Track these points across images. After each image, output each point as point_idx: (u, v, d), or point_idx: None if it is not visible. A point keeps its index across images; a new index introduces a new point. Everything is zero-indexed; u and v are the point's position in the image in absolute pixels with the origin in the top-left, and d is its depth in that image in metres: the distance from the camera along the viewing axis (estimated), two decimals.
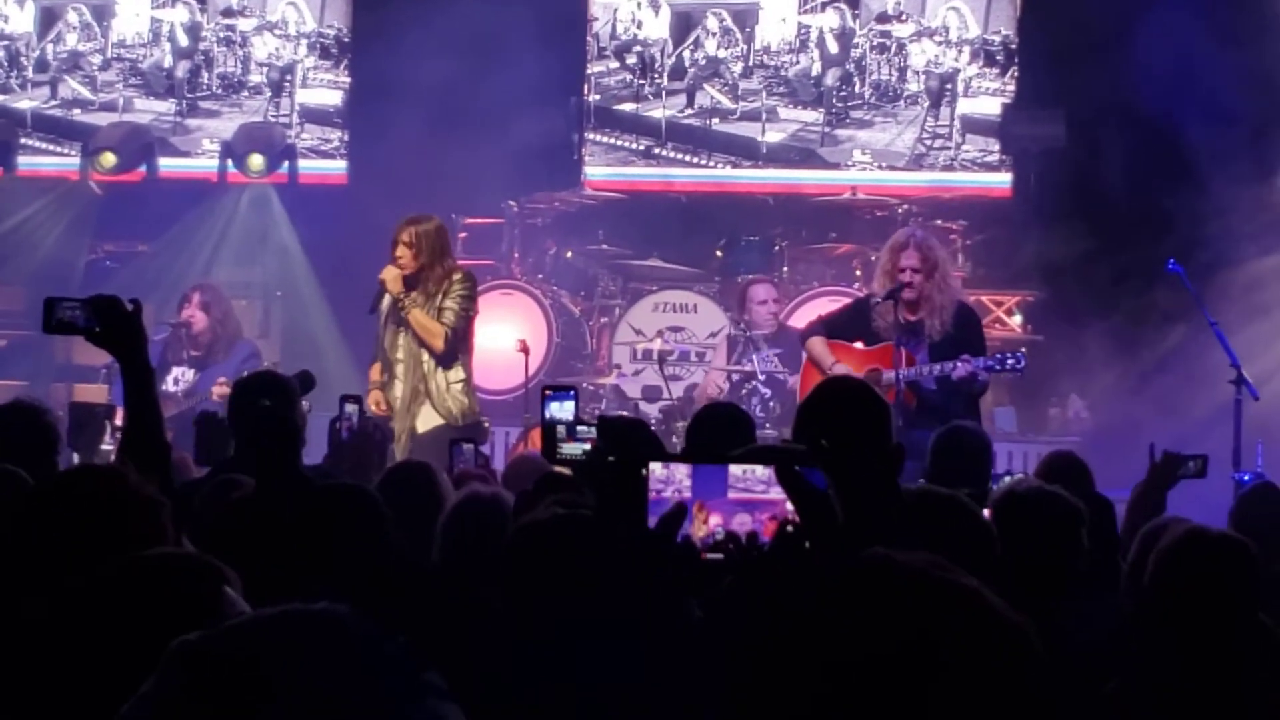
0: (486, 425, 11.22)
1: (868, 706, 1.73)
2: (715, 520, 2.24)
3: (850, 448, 2.24)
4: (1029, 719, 1.78)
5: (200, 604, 2.67)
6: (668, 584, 2.17)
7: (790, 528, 2.18)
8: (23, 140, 16.62)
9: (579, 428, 5.42)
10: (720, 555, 2.16)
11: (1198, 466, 7.88)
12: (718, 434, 6.02)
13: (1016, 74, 15.59)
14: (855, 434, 2.20)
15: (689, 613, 2.11)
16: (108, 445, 9.58)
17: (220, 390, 11.81)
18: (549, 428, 5.46)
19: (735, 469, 2.25)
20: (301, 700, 1.37)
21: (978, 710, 1.74)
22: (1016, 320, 14.89)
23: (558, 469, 5.45)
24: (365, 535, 4.25)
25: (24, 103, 16.87)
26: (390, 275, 10.52)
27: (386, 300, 10.61)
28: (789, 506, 2.19)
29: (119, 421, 10.05)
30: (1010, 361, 10.38)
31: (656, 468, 2.24)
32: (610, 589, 2.50)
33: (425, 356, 10.50)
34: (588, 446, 5.33)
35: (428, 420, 10.44)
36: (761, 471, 2.22)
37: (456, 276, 10.59)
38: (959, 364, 10.16)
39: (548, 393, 5.95)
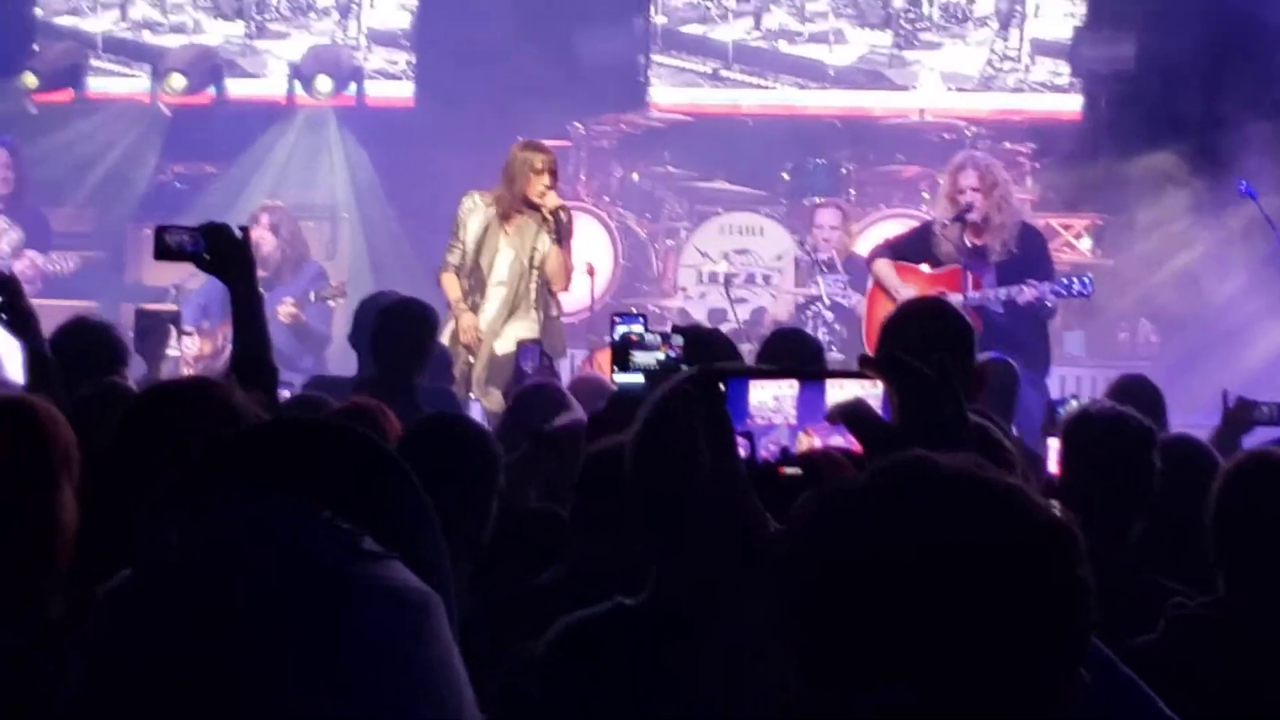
0: None
1: (906, 604, 1.75)
2: (816, 443, 2.25)
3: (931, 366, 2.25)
4: (1072, 618, 1.80)
5: None
6: (742, 501, 2.17)
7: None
8: (93, 62, 16.70)
9: (646, 336, 5.44)
10: (799, 470, 2.17)
11: (1272, 412, 7.74)
12: (790, 358, 6.04)
13: None
14: (940, 354, 2.22)
15: (765, 529, 2.12)
16: (173, 351, 9.70)
17: (286, 310, 11.88)
18: (622, 339, 5.49)
19: (834, 392, 2.26)
20: (240, 612, 1.39)
21: (1019, 608, 1.76)
22: (1086, 244, 14.81)
23: (628, 379, 5.45)
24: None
25: (95, 25, 16.91)
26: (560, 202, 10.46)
27: (481, 217, 10.50)
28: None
29: (185, 327, 10.21)
30: (1077, 286, 10.34)
31: (768, 398, 2.26)
32: (685, 514, 2.51)
33: (534, 283, 10.40)
34: (660, 355, 5.35)
35: (509, 344, 10.20)
36: (862, 391, 2.23)
37: (568, 216, 10.55)
38: (1025, 288, 10.14)
39: (616, 318, 5.97)
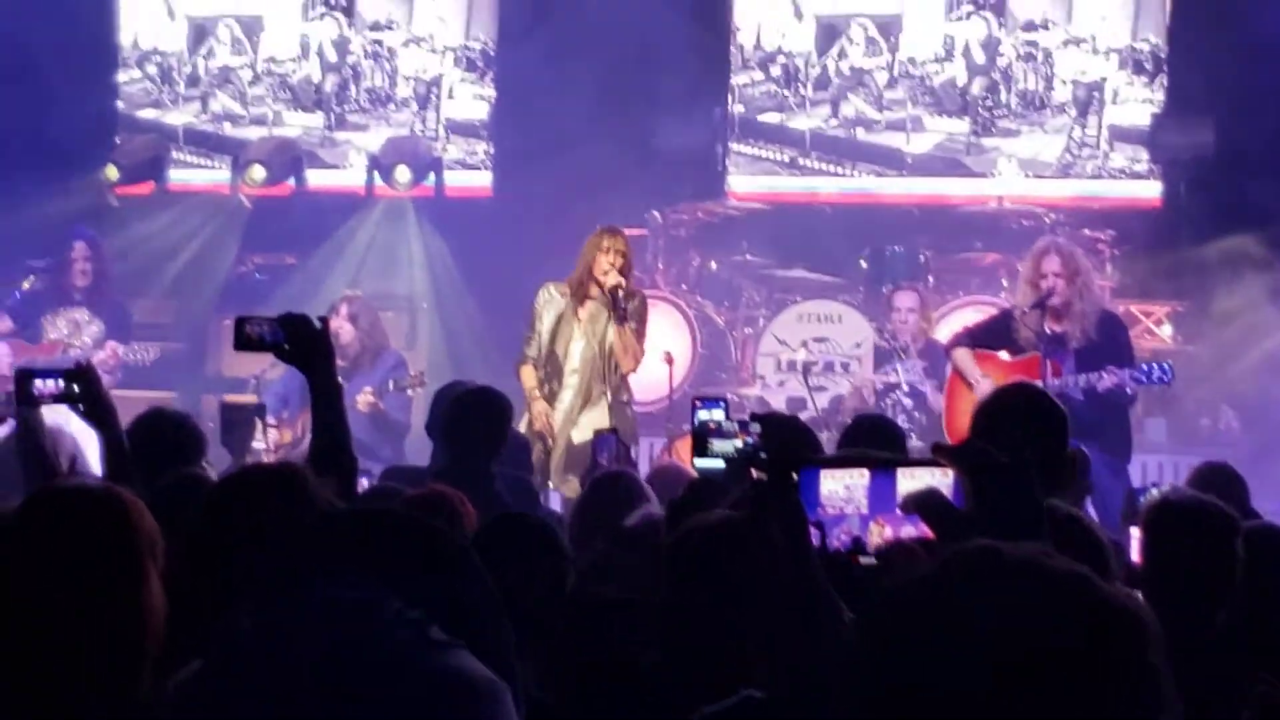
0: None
1: (977, 692, 1.74)
2: (888, 532, 2.25)
3: (1026, 454, 2.25)
4: (1144, 705, 1.78)
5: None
6: (816, 588, 2.16)
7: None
8: (174, 155, 16.89)
9: (724, 424, 5.47)
10: (874, 560, 2.17)
11: None
12: (872, 445, 6.01)
13: (1165, 82, 15.40)
14: (1035, 441, 2.21)
15: (840, 616, 2.11)
16: (258, 444, 9.76)
17: (365, 400, 11.92)
18: (701, 426, 5.51)
19: (904, 481, 2.25)
20: (308, 701, 1.39)
21: (1089, 695, 1.75)
22: (1166, 331, 14.71)
23: (708, 464, 5.47)
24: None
25: (176, 118, 17.13)
26: (619, 280, 10.45)
27: (556, 308, 10.57)
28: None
29: (270, 420, 10.27)
30: (1157, 374, 10.27)
31: (839, 487, 2.26)
32: (767, 593, 2.51)
33: (607, 369, 10.45)
34: (738, 443, 5.37)
35: (586, 432, 10.25)
36: (932, 479, 2.22)
37: (639, 299, 10.59)
38: (1105, 375, 10.08)
39: (698, 402, 6.00)
